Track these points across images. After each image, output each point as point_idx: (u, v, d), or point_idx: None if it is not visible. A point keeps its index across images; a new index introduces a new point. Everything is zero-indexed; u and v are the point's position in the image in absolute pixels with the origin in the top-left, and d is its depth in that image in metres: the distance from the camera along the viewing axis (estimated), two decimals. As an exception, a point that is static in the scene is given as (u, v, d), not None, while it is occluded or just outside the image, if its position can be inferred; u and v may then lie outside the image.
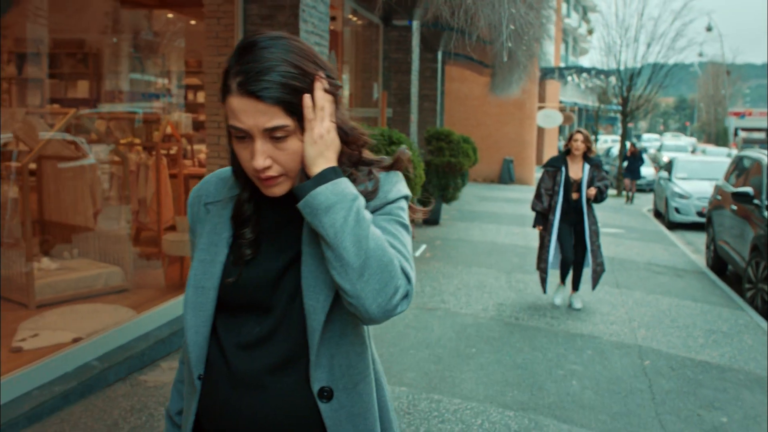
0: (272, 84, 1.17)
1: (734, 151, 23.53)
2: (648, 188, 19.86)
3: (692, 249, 10.82)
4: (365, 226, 1.18)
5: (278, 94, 1.18)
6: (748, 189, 7.89)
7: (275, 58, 1.19)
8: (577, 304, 6.37)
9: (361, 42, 10.52)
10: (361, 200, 1.21)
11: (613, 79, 20.28)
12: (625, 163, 17.84)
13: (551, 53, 25.38)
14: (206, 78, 5.54)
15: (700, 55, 39.38)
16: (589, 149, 6.22)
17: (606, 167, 21.76)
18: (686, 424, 3.99)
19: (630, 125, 27.12)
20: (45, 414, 3.57)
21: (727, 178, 9.54)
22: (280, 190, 1.26)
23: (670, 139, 43.41)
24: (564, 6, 34.03)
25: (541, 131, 25.70)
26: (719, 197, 9.35)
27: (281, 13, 5.27)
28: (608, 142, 35.33)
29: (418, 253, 8.62)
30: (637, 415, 4.07)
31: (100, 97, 6.95)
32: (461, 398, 4.19)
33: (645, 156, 20.50)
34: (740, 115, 40.34)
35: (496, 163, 20.72)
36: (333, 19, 7.85)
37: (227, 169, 1.39)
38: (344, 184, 1.20)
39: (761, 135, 32.21)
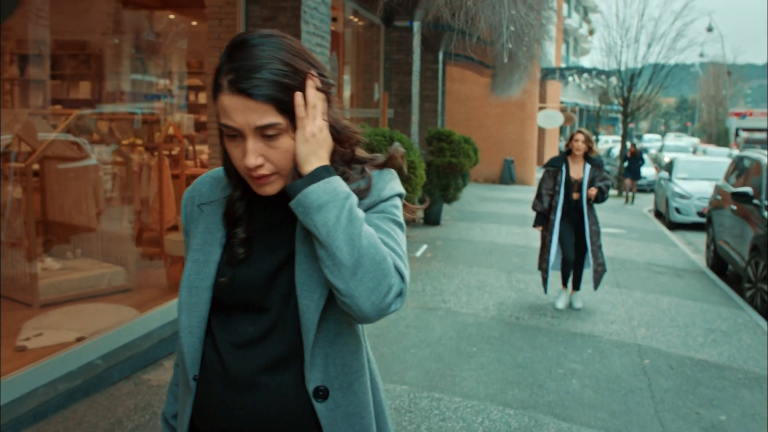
0: (263, 82, 1.17)
1: (735, 152, 23.53)
2: (649, 188, 19.88)
3: (692, 249, 10.85)
4: (358, 224, 1.17)
5: (269, 91, 1.17)
6: (748, 189, 7.92)
7: (266, 56, 1.18)
8: (578, 304, 6.39)
9: (362, 43, 10.55)
10: (354, 198, 1.20)
11: (613, 80, 20.30)
12: (626, 164, 17.88)
13: (552, 53, 25.37)
14: (208, 79, 5.58)
15: (701, 55, 39.48)
16: (590, 149, 6.21)
17: (607, 167, 21.77)
18: (685, 422, 4.02)
19: (631, 126, 27.16)
20: (50, 411, 3.60)
21: (727, 178, 9.57)
22: (272, 188, 1.25)
23: (673, 139, 43.34)
24: (565, 6, 34.05)
25: (542, 132, 25.72)
26: (719, 197, 9.38)
27: (283, 14, 5.31)
28: (609, 143, 35.33)
29: (419, 253, 8.66)
30: (636, 413, 4.10)
31: (102, 98, 6.99)
32: (462, 396, 4.22)
33: (645, 156, 20.52)
34: (741, 116, 40.33)
35: (497, 163, 20.74)
36: (334, 20, 7.88)
37: (220, 170, 1.38)
38: (336, 182, 1.19)
39: (762, 135, 32.18)
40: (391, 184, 1.31)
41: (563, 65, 32.26)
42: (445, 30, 10.77)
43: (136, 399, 3.92)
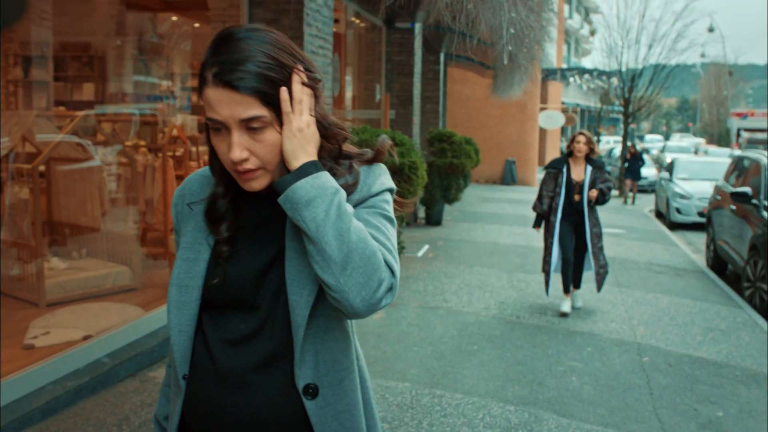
0: (247, 74, 1.16)
1: (736, 152, 23.56)
2: (650, 189, 19.93)
3: (692, 249, 10.90)
4: (347, 219, 1.16)
5: (254, 84, 1.16)
6: (747, 189, 7.97)
7: (252, 49, 1.17)
8: (578, 303, 6.43)
9: (364, 44, 10.62)
10: (342, 193, 1.19)
11: (614, 80, 20.34)
12: (626, 165, 17.93)
13: (553, 54, 25.41)
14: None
15: (702, 56, 39.53)
16: (591, 151, 6.20)
17: (608, 168, 21.81)
18: (682, 418, 4.07)
19: (632, 126, 27.18)
20: (59, 408, 3.67)
21: (726, 178, 9.62)
22: (258, 184, 1.24)
23: (678, 140, 43.20)
24: (566, 7, 34.12)
25: (543, 132, 25.76)
26: (719, 197, 9.43)
27: (286, 16, 5.36)
28: (610, 143, 35.36)
29: (420, 253, 8.72)
30: (634, 410, 4.16)
31: (105, 100, 7.05)
32: (463, 393, 4.28)
33: (646, 157, 20.58)
34: (743, 116, 40.28)
35: (498, 164, 20.80)
36: (336, 21, 7.94)
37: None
38: (325, 177, 1.18)
39: (764, 135, 32.16)
40: (381, 179, 1.30)
41: (564, 66, 32.32)
42: (446, 32, 10.82)
43: (142, 396, 3.98)
